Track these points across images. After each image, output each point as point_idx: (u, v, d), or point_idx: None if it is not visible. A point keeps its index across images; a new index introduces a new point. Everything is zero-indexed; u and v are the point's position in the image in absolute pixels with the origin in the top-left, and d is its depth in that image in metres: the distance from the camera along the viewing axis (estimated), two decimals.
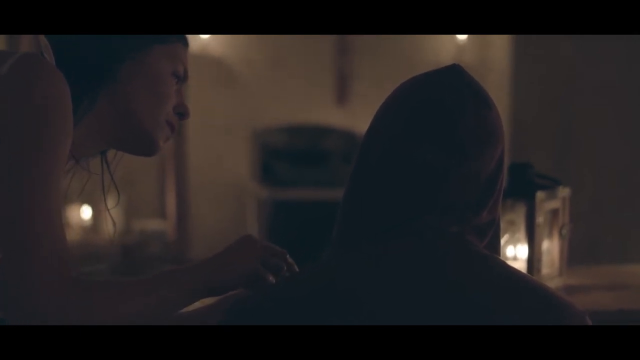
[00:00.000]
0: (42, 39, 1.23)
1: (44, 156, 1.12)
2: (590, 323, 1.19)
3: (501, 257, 1.27)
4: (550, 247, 2.00)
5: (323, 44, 5.42)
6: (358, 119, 5.41)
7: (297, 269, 1.31)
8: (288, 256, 1.31)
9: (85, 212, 4.79)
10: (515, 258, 1.95)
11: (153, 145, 1.32)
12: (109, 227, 4.80)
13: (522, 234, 1.92)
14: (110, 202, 1.46)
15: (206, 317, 1.34)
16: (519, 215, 1.92)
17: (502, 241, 1.94)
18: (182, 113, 1.35)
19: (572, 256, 2.10)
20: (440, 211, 1.19)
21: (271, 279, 1.25)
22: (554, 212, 1.99)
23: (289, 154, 5.51)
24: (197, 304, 1.31)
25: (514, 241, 1.94)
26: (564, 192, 2.00)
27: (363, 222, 1.23)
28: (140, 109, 1.28)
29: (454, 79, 1.20)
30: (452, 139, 1.17)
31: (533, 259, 1.91)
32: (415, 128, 1.18)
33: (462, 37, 5.51)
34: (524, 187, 1.93)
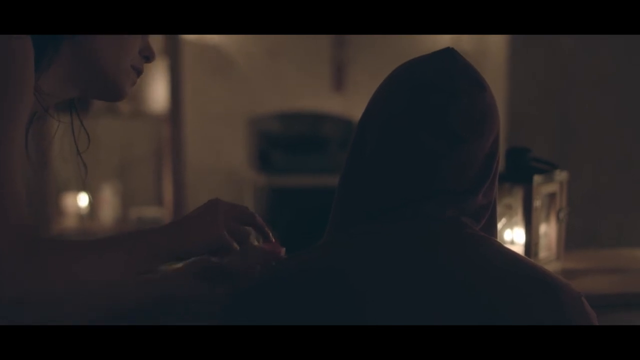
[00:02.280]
0: None
1: (3, 111, 1.09)
2: (586, 304, 1.19)
3: (498, 240, 1.27)
4: (548, 230, 2.00)
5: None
6: (355, 106, 5.40)
7: (268, 231, 1.31)
8: (258, 218, 1.30)
9: (82, 200, 4.78)
10: (512, 242, 1.95)
11: (119, 91, 1.31)
12: (106, 214, 4.79)
13: (519, 217, 1.92)
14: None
15: (170, 282, 1.29)
16: (516, 199, 1.92)
17: (500, 225, 1.94)
18: (147, 56, 1.33)
19: (570, 244, 2.10)
20: (435, 195, 1.18)
21: (235, 246, 1.24)
22: (552, 196, 1.99)
23: (285, 141, 5.50)
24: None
25: (511, 225, 1.94)
26: (561, 176, 2.00)
27: (358, 207, 1.23)
28: (104, 56, 1.26)
29: (446, 63, 1.19)
30: (446, 123, 1.16)
31: (530, 243, 1.91)
32: (409, 113, 1.18)
33: None
34: (522, 171, 1.93)
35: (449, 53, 1.21)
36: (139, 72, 1.33)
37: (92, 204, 4.80)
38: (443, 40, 5.43)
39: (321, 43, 5.52)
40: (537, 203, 1.91)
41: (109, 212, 4.85)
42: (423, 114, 1.17)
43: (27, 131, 1.24)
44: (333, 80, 5.60)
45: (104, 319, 1.17)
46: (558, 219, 1.99)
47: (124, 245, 1.16)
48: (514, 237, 1.94)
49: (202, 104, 5.36)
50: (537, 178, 1.90)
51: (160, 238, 1.19)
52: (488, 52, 5.43)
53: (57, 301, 1.09)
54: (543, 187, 1.93)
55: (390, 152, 1.19)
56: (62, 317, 1.11)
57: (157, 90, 4.85)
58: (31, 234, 1.07)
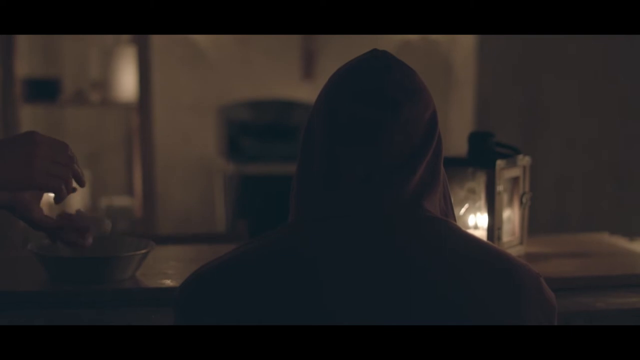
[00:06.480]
0: None
1: None
2: (544, 284, 1.22)
3: (460, 224, 1.30)
4: (511, 215, 2.02)
5: None
6: None
7: (82, 178, 1.33)
8: (76, 161, 1.29)
9: None
10: (476, 227, 1.97)
11: None
12: (75, 203, 4.78)
13: (482, 202, 1.94)
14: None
15: None
16: (479, 184, 1.94)
17: (463, 210, 1.96)
18: None
19: (540, 229, 2.12)
20: (384, 168, 1.22)
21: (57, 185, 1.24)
22: (514, 181, 2.01)
23: (255, 129, 5.50)
24: None
25: (474, 210, 1.96)
26: (524, 160, 2.02)
27: (315, 192, 1.26)
28: None
29: (377, 52, 1.31)
30: (383, 92, 1.24)
31: (493, 227, 1.93)
32: (350, 91, 1.26)
33: None
34: (484, 155, 1.95)
35: (380, 51, 1.31)
36: None
37: None
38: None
39: None
40: (500, 188, 1.93)
41: (78, 201, 4.83)
42: (362, 90, 1.25)
43: None
44: (303, 68, 5.60)
45: None
46: (521, 204, 2.01)
47: None
48: (477, 221, 1.96)
49: (171, 93, 5.35)
50: (499, 163, 1.92)
51: None
52: (457, 38, 5.46)
53: None
54: (506, 172, 1.95)
55: (336, 131, 1.25)
56: None
57: (126, 79, 4.83)
58: None
